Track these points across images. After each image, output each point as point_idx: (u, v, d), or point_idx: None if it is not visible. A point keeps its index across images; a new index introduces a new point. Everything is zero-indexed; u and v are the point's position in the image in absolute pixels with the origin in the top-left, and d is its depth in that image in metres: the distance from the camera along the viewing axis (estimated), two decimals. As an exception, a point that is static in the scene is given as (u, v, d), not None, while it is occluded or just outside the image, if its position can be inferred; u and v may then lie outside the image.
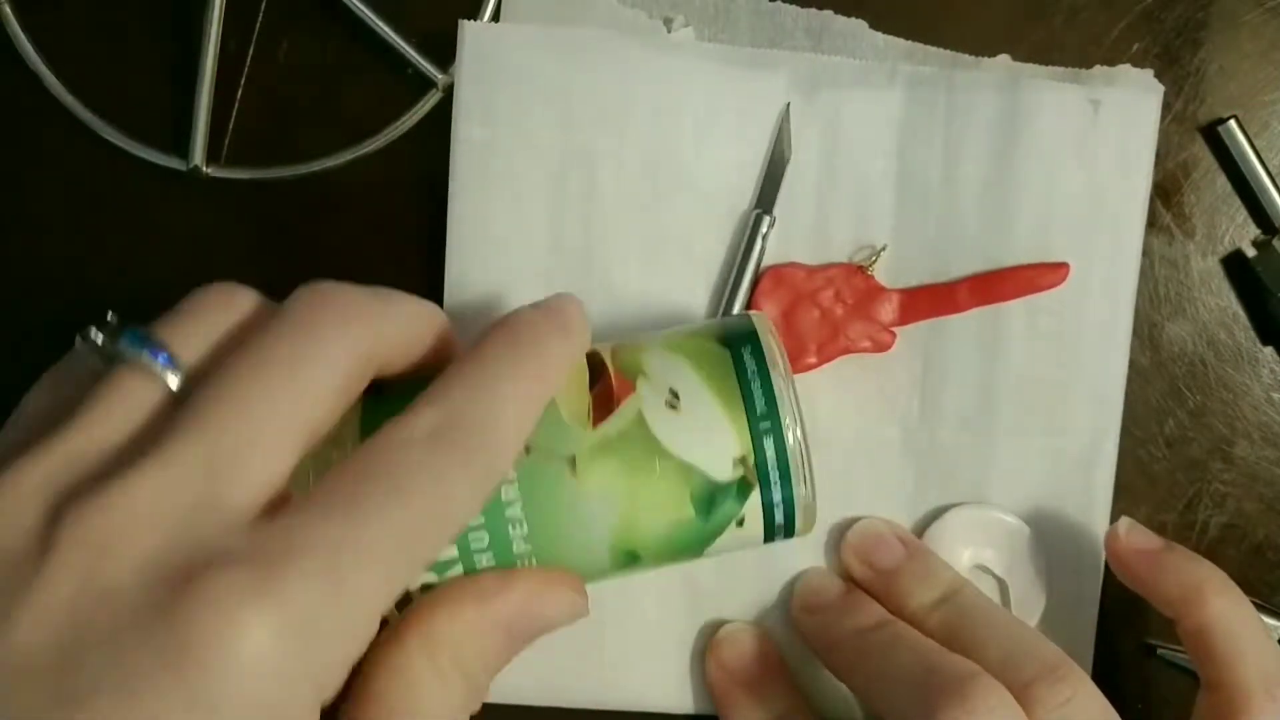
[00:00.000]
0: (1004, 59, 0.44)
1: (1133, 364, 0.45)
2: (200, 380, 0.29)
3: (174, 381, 0.29)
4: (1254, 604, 0.39)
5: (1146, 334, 0.45)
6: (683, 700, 0.44)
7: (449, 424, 0.29)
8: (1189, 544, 0.45)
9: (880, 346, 0.44)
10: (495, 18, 0.44)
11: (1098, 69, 0.44)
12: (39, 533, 0.26)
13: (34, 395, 0.31)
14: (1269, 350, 0.46)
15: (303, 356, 0.29)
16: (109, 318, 0.31)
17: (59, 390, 0.30)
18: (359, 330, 0.31)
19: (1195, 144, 0.46)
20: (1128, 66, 0.44)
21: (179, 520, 0.26)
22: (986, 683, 0.36)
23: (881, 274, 0.44)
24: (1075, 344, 0.44)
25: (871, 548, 0.43)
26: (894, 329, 0.44)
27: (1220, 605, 0.39)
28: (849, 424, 0.44)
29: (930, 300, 0.44)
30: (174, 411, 0.28)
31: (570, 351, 0.34)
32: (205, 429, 0.28)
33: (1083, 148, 0.44)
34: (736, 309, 0.44)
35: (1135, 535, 0.41)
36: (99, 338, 0.30)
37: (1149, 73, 0.44)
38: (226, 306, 0.31)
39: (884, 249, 0.44)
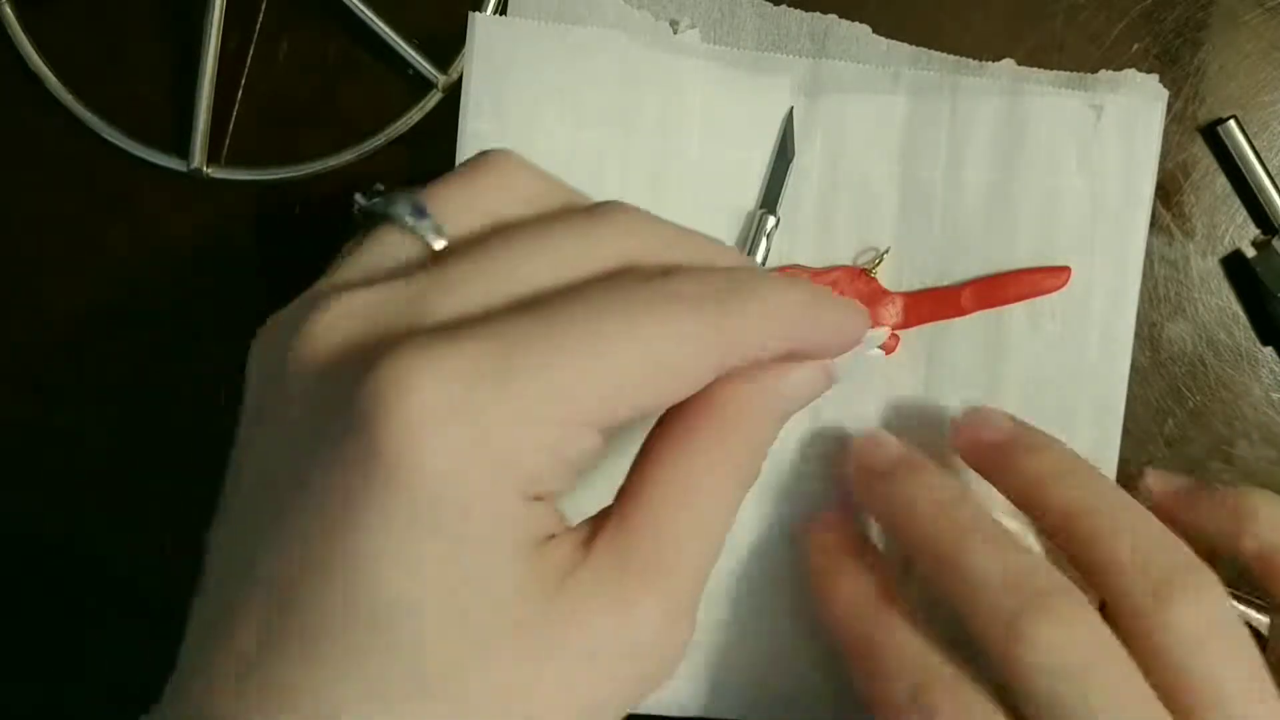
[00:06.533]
0: (1008, 63, 0.44)
1: (1133, 364, 0.45)
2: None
3: (437, 243, 0.29)
4: (1255, 603, 0.40)
5: (1146, 334, 0.45)
6: (694, 701, 0.44)
7: (699, 292, 0.28)
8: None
9: (883, 350, 0.44)
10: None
11: (1103, 73, 0.44)
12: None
13: None
14: (1269, 350, 0.46)
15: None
16: (375, 187, 0.31)
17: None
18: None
19: (1195, 144, 0.46)
20: (1133, 71, 0.44)
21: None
22: (1076, 599, 0.34)
23: (884, 277, 0.44)
24: (1078, 349, 0.44)
25: (980, 423, 0.41)
26: (897, 332, 0.44)
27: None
28: (851, 427, 0.44)
29: (933, 304, 0.44)
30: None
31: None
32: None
33: (1085, 153, 0.44)
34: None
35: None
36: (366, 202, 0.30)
37: (1154, 78, 0.44)
38: (500, 187, 0.31)
39: (887, 252, 0.44)
